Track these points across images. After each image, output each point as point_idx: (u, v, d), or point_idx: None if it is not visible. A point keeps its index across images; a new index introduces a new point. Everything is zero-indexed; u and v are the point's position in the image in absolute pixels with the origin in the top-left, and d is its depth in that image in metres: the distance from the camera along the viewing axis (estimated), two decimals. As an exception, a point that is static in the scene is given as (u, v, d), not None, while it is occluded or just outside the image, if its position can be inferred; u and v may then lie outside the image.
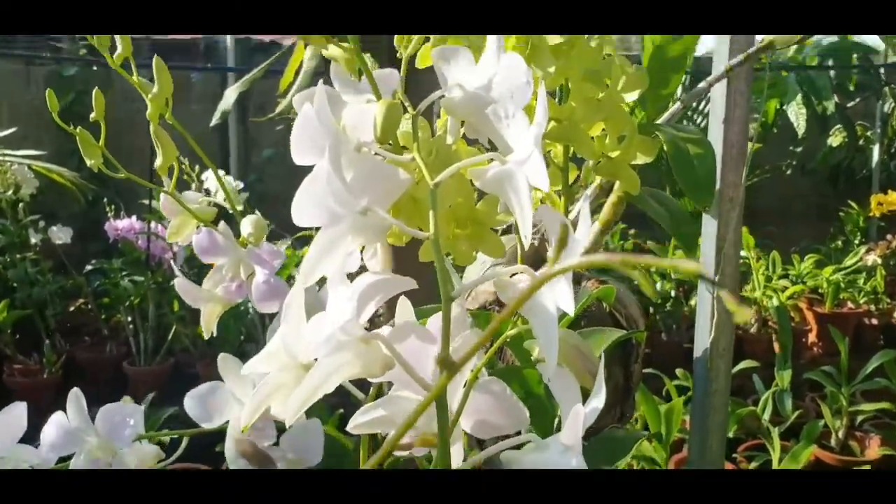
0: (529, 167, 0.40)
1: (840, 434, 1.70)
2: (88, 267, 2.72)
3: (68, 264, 2.71)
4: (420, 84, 0.53)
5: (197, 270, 2.55)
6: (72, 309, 2.76)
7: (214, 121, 1.96)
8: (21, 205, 2.52)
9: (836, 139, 4.16)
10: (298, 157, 0.43)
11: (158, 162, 0.63)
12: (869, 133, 4.23)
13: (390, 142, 0.48)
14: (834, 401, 1.76)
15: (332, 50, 0.49)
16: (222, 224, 0.66)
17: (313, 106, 0.43)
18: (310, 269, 0.39)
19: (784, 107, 3.50)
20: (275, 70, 2.09)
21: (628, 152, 0.64)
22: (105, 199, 2.67)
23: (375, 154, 0.45)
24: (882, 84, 3.94)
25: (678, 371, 1.69)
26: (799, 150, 4.07)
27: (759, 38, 0.71)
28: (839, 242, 3.64)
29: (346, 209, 0.40)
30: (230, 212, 2.08)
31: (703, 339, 0.73)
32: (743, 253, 3.37)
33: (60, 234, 2.71)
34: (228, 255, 0.65)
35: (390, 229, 0.41)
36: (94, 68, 2.96)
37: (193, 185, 2.67)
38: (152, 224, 2.36)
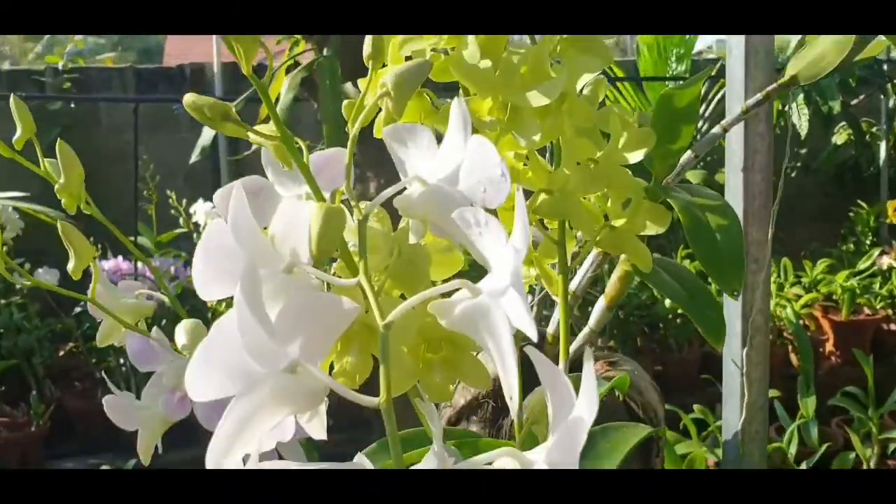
0: (508, 303, 0.30)
1: (872, 464, 1.60)
2: (78, 308, 2.63)
3: (56, 307, 2.62)
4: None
5: (188, 308, 2.45)
6: (62, 353, 2.66)
7: (194, 157, 1.87)
8: (4, 247, 2.43)
9: (840, 137, 4.05)
10: (204, 291, 0.33)
11: (71, 265, 0.53)
12: (874, 129, 4.12)
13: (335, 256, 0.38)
14: (862, 425, 1.65)
15: (256, 136, 0.39)
16: (155, 329, 0.56)
17: (229, 212, 0.34)
18: (218, 457, 0.29)
19: (787, 108, 3.40)
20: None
21: (635, 221, 0.54)
22: (91, 239, 2.57)
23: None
24: (886, 79, 3.84)
25: (696, 407, 1.59)
26: (803, 151, 3.96)
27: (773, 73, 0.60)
28: (850, 244, 3.53)
29: (268, 366, 0.30)
30: None
31: (732, 419, 0.63)
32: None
33: (47, 277, 2.62)
34: (166, 362, 0.55)
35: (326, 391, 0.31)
36: (72, 105, 2.86)
37: (181, 219, 2.59)
38: (139, 265, 2.26)
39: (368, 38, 0.45)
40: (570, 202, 0.50)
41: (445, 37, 0.46)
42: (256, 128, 0.40)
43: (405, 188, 0.37)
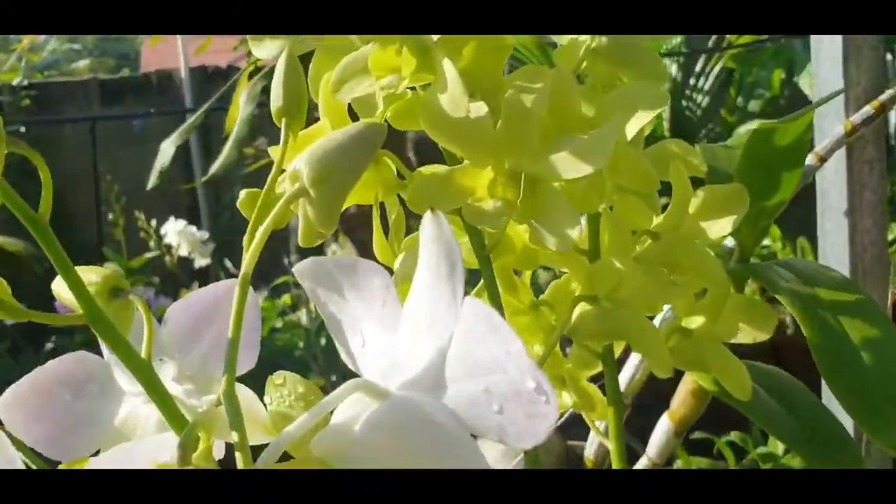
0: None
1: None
2: (49, 345, 2.44)
3: (23, 343, 2.43)
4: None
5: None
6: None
7: (151, 182, 1.68)
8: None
9: (848, 103, 3.85)
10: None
11: None
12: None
13: None
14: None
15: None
16: None
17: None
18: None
19: (795, 78, 3.22)
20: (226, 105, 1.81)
21: (720, 325, 0.35)
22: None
23: None
24: None
25: (733, 434, 1.41)
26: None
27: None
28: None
29: None
30: (196, 267, 1.78)
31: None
32: (767, 242, 3.10)
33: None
34: None
35: None
36: (22, 129, 2.66)
37: (152, 242, 2.40)
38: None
39: (277, 81, 0.26)
40: (627, 316, 0.31)
41: (407, 70, 0.27)
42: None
43: (338, 405, 0.19)
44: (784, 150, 0.35)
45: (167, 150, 1.61)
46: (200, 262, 2.37)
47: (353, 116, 0.32)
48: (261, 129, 1.59)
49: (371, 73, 0.28)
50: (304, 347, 2.36)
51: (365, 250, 1.18)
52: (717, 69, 3.44)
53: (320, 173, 0.21)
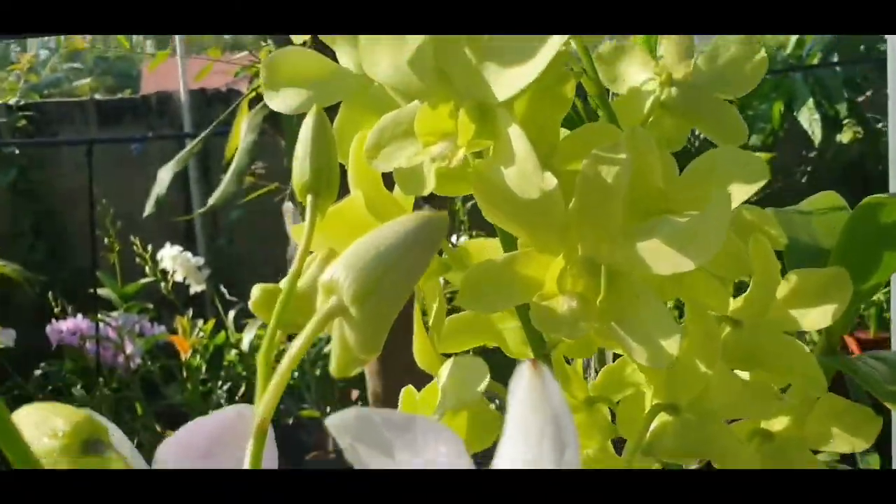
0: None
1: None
2: (37, 372, 2.37)
3: (12, 370, 2.37)
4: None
5: (159, 367, 2.20)
6: (23, 419, 2.40)
7: (148, 210, 1.63)
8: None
9: (846, 136, 3.83)
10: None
11: None
12: (880, 125, 3.90)
13: None
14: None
15: None
16: None
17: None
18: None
19: (795, 112, 3.19)
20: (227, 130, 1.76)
21: (811, 428, 0.30)
22: (50, 294, 2.32)
23: None
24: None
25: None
26: (812, 154, 3.75)
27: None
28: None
29: None
30: (192, 293, 1.72)
31: None
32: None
33: (1, 338, 2.37)
34: None
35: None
36: (16, 151, 2.61)
37: (147, 267, 2.34)
38: (101, 325, 2.01)
39: (303, 150, 0.21)
40: (714, 432, 0.26)
41: (465, 136, 0.22)
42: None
43: None
44: (891, 227, 0.30)
45: (164, 177, 1.55)
46: (196, 288, 2.31)
47: (387, 181, 0.26)
48: (260, 153, 1.54)
49: (417, 137, 0.23)
50: (299, 377, 2.30)
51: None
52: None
53: (365, 286, 0.16)
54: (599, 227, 0.23)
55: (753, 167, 0.25)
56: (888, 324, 2.73)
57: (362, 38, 0.23)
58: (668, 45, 0.33)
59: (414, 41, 0.22)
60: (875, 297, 2.73)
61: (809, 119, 3.26)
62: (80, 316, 2.14)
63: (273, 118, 1.43)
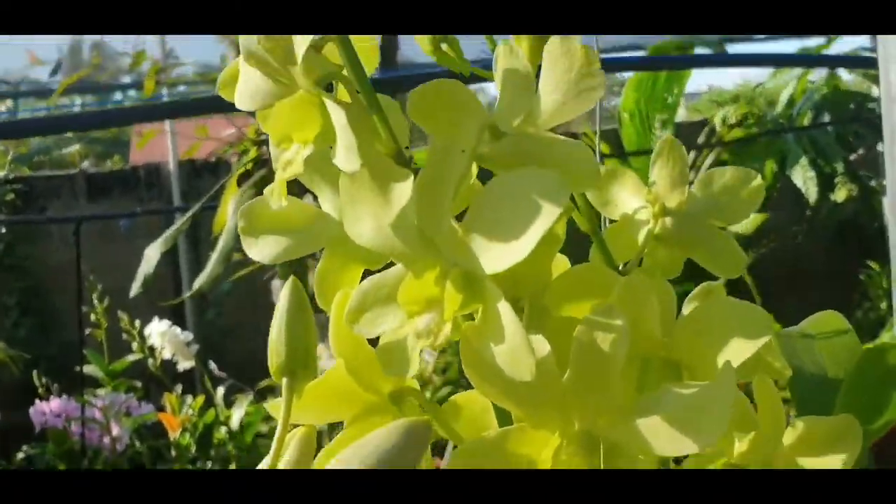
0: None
1: None
2: (20, 455, 2.32)
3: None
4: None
5: (147, 447, 2.16)
6: (7, 502, 2.34)
7: (135, 290, 1.61)
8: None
9: (840, 194, 3.85)
10: None
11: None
12: (873, 183, 3.93)
13: None
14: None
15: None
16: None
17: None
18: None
19: (788, 172, 3.21)
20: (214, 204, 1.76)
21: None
22: (35, 372, 2.28)
23: None
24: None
25: None
26: (807, 213, 3.77)
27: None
28: (868, 312, 3.30)
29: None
30: (179, 371, 1.68)
31: None
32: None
33: (-16, 418, 2.33)
34: None
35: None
36: (2, 230, 2.60)
37: (135, 344, 2.31)
38: (86, 406, 1.97)
39: (278, 329, 0.20)
40: None
41: (451, 307, 0.20)
42: None
43: None
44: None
45: (152, 256, 1.54)
46: (184, 364, 2.27)
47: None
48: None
49: (400, 305, 0.21)
50: None
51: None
52: (708, 162, 3.44)
53: None
54: (597, 398, 0.21)
55: (756, 322, 0.24)
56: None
57: (344, 198, 0.22)
58: (660, 170, 0.32)
59: (398, 203, 0.21)
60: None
61: (804, 177, 3.29)
62: (65, 397, 2.10)
63: (261, 195, 1.43)
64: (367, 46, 0.26)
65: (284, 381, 0.20)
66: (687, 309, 0.32)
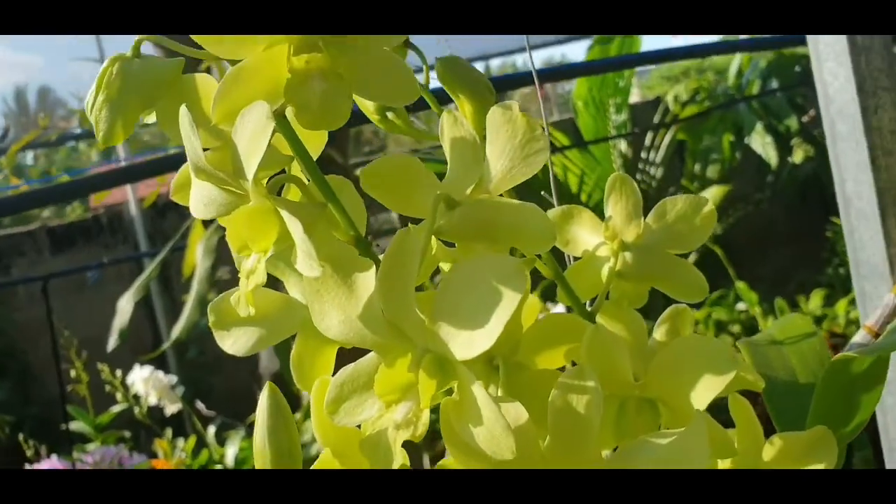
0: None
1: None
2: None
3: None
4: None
5: None
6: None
7: (112, 344, 1.60)
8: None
9: (798, 155, 3.90)
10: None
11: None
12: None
13: None
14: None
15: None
16: None
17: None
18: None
19: (746, 140, 3.25)
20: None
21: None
22: (21, 435, 2.25)
23: None
24: (832, 90, 3.71)
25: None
26: (769, 179, 3.82)
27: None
28: (838, 268, 3.35)
29: None
30: (167, 415, 1.66)
31: None
32: (743, 306, 3.07)
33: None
34: None
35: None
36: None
37: (119, 394, 2.29)
38: (77, 463, 1.94)
39: (261, 431, 0.20)
40: None
41: (427, 394, 0.21)
42: None
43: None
44: (863, 375, 0.30)
45: (125, 308, 1.53)
46: (171, 408, 2.25)
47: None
48: (222, 257, 1.51)
49: (377, 395, 0.22)
50: None
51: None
52: (666, 141, 3.48)
53: None
54: (577, 459, 0.22)
55: (721, 358, 0.25)
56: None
57: (308, 295, 0.23)
58: (615, 205, 0.32)
59: (363, 295, 0.22)
60: (853, 315, 2.76)
61: (762, 143, 3.34)
62: (54, 456, 2.07)
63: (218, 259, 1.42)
64: (312, 134, 0.26)
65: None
66: (657, 332, 0.33)
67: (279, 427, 0.21)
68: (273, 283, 0.27)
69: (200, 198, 0.23)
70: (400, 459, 0.21)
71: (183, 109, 0.22)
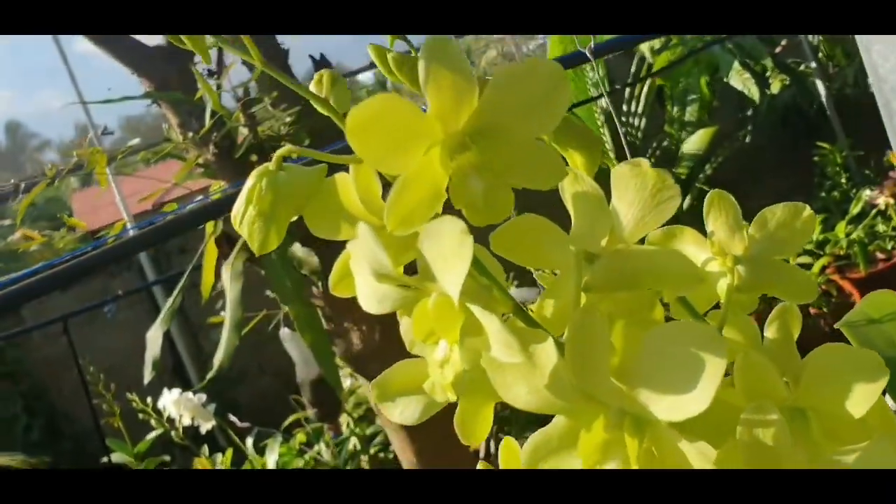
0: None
1: None
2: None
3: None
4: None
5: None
6: None
7: (147, 376, 1.61)
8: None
9: (775, 86, 3.92)
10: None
11: None
12: (803, 67, 4.00)
13: None
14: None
15: None
16: None
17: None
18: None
19: (726, 79, 3.26)
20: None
21: None
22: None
23: None
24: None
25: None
26: (749, 113, 3.83)
27: None
28: (831, 191, 3.38)
29: None
30: (202, 433, 1.67)
31: None
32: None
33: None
34: None
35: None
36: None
37: (153, 420, 2.30)
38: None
39: None
40: None
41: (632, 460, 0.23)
42: None
43: None
44: None
45: (155, 339, 1.54)
46: (205, 426, 2.27)
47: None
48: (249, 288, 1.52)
49: (581, 457, 0.23)
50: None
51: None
52: (645, 90, 3.48)
53: None
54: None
55: (872, 366, 0.26)
56: (876, 259, 2.78)
57: (489, 369, 0.24)
58: (716, 221, 0.34)
59: (546, 366, 0.23)
60: (855, 236, 2.78)
61: (742, 80, 3.35)
62: (100, 490, 2.09)
63: (251, 254, 1.43)
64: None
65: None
66: (769, 331, 0.35)
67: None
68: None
69: (373, 294, 0.25)
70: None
71: (363, 227, 0.23)
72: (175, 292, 1.58)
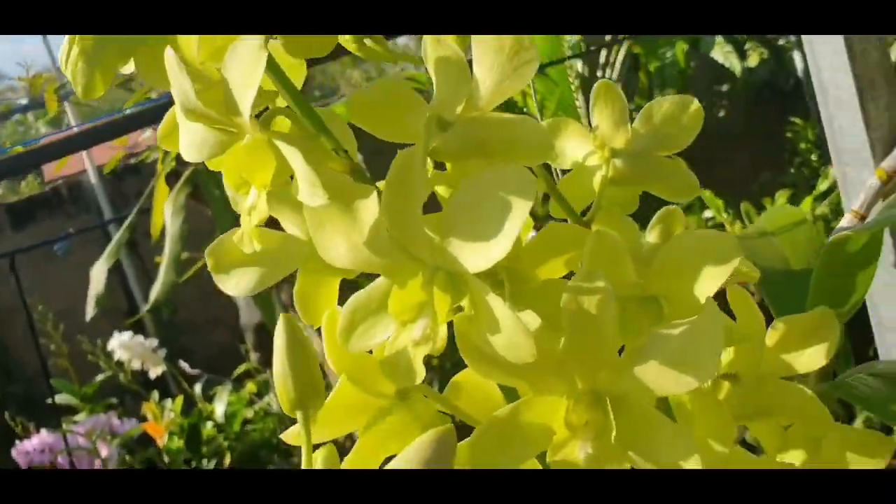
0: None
1: None
2: (14, 495, 2.29)
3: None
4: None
5: (139, 461, 2.15)
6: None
7: (90, 312, 1.59)
8: None
9: (753, 59, 3.91)
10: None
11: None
12: (781, 42, 3.99)
13: None
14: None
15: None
16: None
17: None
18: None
19: (708, 53, 3.25)
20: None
21: (826, 456, 0.30)
22: (6, 414, 2.24)
23: None
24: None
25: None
26: (725, 87, 3.82)
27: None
28: (801, 167, 3.39)
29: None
30: (152, 378, 1.66)
31: None
32: (710, 214, 3.11)
33: (-32, 469, 2.29)
34: None
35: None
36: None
37: (101, 362, 2.28)
38: (68, 435, 1.95)
39: (282, 368, 0.21)
40: None
41: (443, 310, 0.21)
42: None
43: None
44: (858, 254, 0.30)
45: (99, 275, 1.51)
46: (155, 371, 2.25)
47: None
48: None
49: (392, 316, 0.22)
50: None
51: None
52: (621, 56, 3.46)
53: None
54: (594, 358, 0.22)
55: (724, 247, 0.25)
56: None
57: (311, 225, 0.22)
58: (601, 113, 0.32)
59: (367, 220, 0.22)
60: (819, 211, 2.80)
61: (723, 53, 3.34)
62: (44, 431, 2.07)
63: (193, 189, 1.40)
64: (293, 63, 0.26)
65: (299, 414, 0.20)
66: (650, 235, 0.33)
67: (298, 359, 0.21)
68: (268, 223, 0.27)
69: (191, 141, 0.23)
70: (422, 375, 0.21)
71: (169, 51, 0.21)
72: (122, 228, 1.55)
